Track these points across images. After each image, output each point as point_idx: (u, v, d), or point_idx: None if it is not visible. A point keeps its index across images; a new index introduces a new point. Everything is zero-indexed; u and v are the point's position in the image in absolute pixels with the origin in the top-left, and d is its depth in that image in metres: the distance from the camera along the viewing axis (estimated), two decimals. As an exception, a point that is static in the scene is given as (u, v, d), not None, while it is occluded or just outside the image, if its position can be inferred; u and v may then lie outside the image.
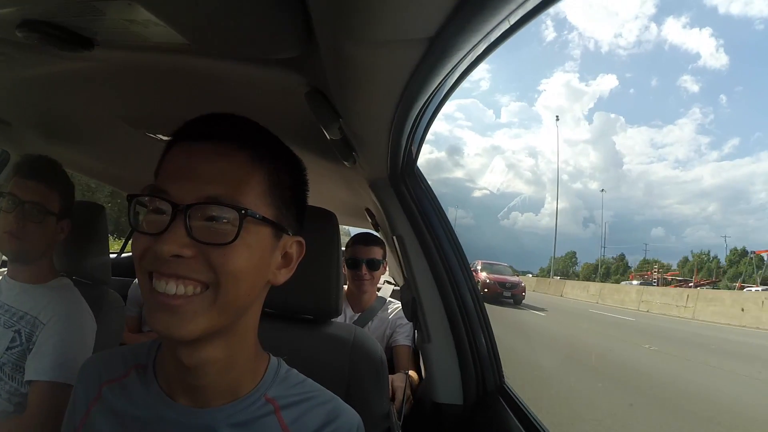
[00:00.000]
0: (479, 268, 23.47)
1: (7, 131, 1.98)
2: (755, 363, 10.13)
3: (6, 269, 1.60)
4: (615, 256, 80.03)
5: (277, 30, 0.87)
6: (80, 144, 2.18)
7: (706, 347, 12.12)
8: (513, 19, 0.67)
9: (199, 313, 0.66)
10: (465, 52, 0.73)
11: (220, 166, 0.69)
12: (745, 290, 27.67)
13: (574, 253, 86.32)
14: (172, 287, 0.64)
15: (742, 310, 17.52)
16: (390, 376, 1.51)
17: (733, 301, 18.76)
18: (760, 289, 30.41)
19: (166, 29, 0.93)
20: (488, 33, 0.67)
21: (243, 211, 0.66)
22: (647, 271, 62.10)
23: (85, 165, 2.64)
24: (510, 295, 21.64)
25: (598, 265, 76.05)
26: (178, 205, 0.65)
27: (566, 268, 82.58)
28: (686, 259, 69.91)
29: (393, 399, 1.76)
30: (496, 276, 22.46)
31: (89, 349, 1.49)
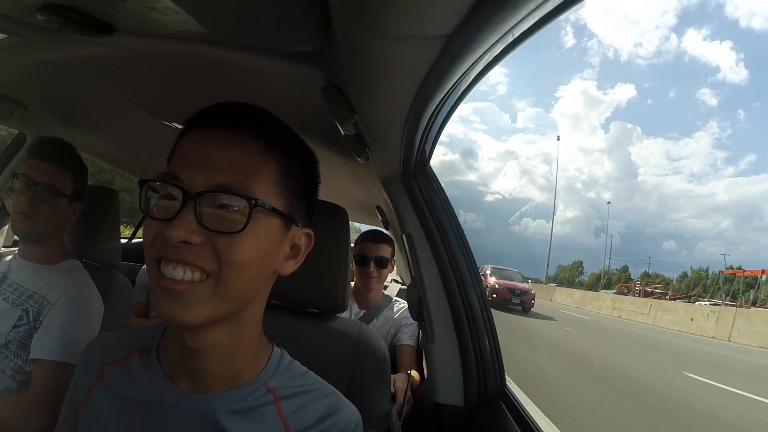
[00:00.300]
0: (488, 272, 22.64)
1: (24, 114, 1.99)
2: (655, 351, 12.93)
3: (17, 248, 1.62)
4: (619, 267, 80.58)
5: (296, 23, 0.87)
6: (96, 129, 2.20)
7: (615, 334, 16.59)
8: (531, 20, 0.66)
9: (203, 300, 0.66)
10: (482, 51, 0.72)
11: (232, 155, 0.69)
12: (696, 303, 32.80)
13: (581, 262, 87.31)
14: (180, 272, 0.64)
15: (692, 319, 20.32)
16: (392, 376, 1.50)
17: (685, 312, 21.69)
18: (707, 303, 34.16)
19: (186, 18, 0.93)
20: (506, 33, 0.67)
21: (253, 201, 0.66)
22: (633, 282, 64.95)
23: (100, 150, 2.66)
24: (519, 302, 20.80)
25: (601, 275, 76.57)
26: (188, 192, 0.65)
27: (572, 277, 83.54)
28: (685, 274, 70.23)
29: (394, 400, 1.76)
30: (505, 282, 21.53)
31: (95, 331, 1.50)
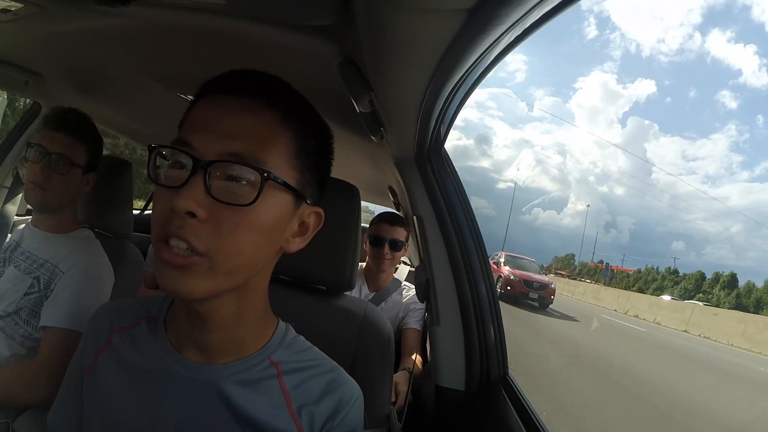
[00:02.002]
0: (502, 260, 20.04)
1: (40, 84, 1.99)
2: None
3: (30, 217, 1.63)
4: (596, 261, 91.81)
5: None
6: (111, 100, 2.20)
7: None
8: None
9: (202, 275, 0.65)
10: (503, 29, 0.70)
11: (246, 122, 0.68)
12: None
13: (573, 255, 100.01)
14: (183, 244, 0.63)
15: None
16: (393, 376, 1.51)
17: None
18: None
19: None
20: (529, 11, 0.65)
21: (265, 174, 0.65)
22: (550, 267, 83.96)
23: (115, 121, 2.66)
24: (536, 297, 17.98)
25: (578, 267, 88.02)
26: (199, 161, 0.64)
27: (564, 268, 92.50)
28: (639, 270, 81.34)
29: (395, 403, 1.77)
30: (522, 273, 18.71)
31: (105, 300, 1.51)
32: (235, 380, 0.76)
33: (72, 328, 1.41)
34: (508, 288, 17.84)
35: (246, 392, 0.75)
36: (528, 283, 18.14)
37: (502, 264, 19.57)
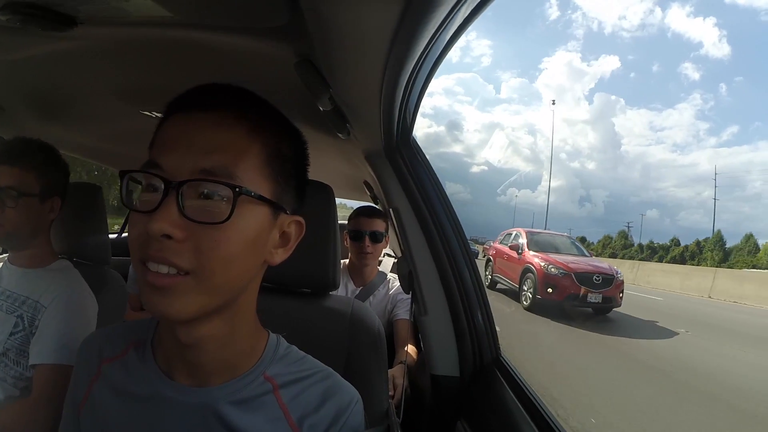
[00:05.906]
0: (523, 242, 12.36)
1: (1, 116, 1.96)
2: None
3: (7, 256, 1.61)
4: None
5: None
6: (76, 124, 2.16)
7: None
8: None
9: (189, 294, 0.65)
10: (446, 11, 0.70)
11: (216, 137, 0.67)
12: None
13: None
14: (164, 267, 0.63)
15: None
16: (390, 371, 1.51)
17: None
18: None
19: (148, 2, 0.91)
20: None
21: (237, 189, 0.64)
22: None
23: (83, 145, 2.61)
24: (599, 301, 10.39)
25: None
26: (170, 182, 0.64)
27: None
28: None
29: (392, 396, 1.77)
30: (564, 260, 11.05)
31: (91, 329, 1.49)
32: (230, 400, 0.75)
33: (61, 362, 1.39)
34: (549, 291, 10.47)
35: (242, 411, 0.75)
36: (584, 277, 10.49)
37: (525, 248, 12.02)
